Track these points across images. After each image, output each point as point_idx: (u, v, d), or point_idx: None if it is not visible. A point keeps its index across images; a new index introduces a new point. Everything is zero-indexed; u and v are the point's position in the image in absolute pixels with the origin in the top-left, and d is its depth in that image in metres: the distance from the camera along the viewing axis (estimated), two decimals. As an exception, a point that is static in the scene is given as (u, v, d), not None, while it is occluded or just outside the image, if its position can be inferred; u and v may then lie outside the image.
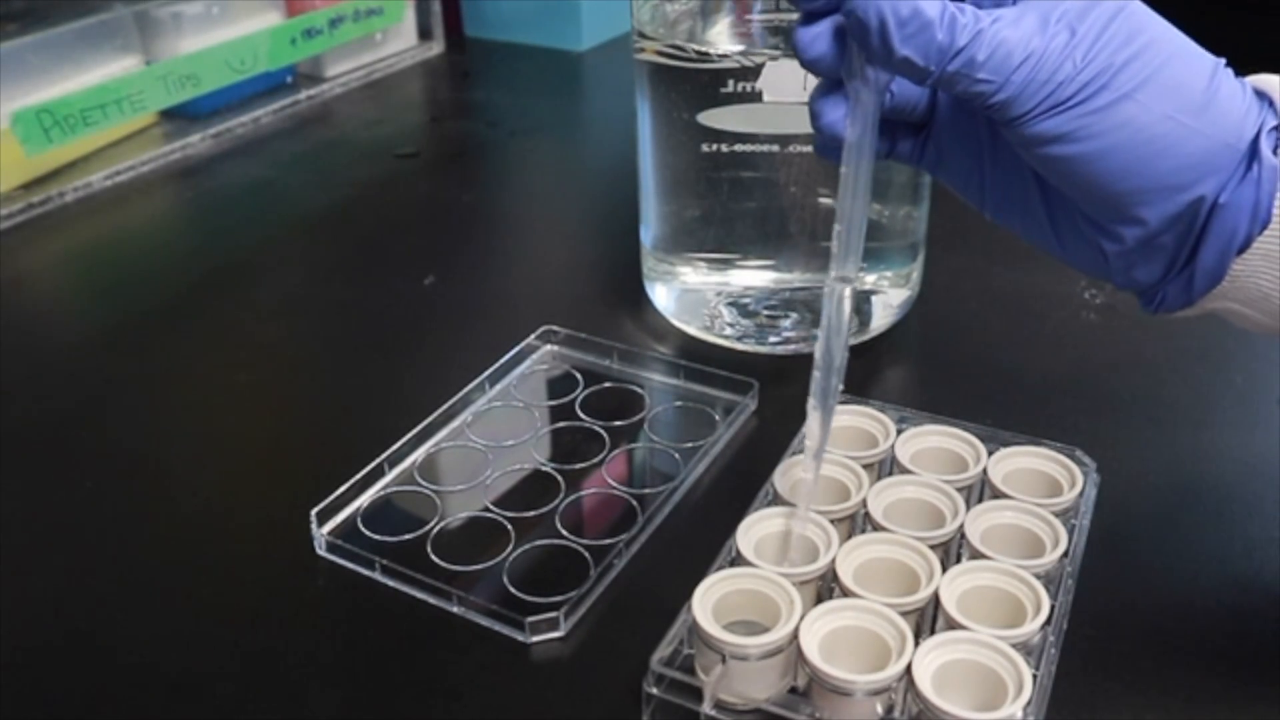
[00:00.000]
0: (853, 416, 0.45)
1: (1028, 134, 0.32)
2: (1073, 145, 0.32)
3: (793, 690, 0.35)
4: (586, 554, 0.42)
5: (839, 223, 0.35)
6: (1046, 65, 0.31)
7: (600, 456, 0.48)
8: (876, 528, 0.39)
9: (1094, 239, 0.35)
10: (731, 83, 0.49)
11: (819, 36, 0.33)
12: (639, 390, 0.52)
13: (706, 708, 0.34)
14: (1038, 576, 0.36)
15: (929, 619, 0.37)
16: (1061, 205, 0.35)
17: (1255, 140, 0.32)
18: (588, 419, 0.50)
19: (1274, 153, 0.32)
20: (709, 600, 0.35)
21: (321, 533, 0.43)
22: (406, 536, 0.44)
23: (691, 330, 0.56)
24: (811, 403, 0.37)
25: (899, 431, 0.44)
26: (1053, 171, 0.33)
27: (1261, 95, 0.33)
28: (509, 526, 0.44)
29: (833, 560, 0.37)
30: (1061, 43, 0.31)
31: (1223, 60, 0.33)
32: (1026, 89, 0.31)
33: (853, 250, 0.35)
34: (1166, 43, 0.32)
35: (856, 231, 0.35)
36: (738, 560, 0.38)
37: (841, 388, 0.37)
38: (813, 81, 0.47)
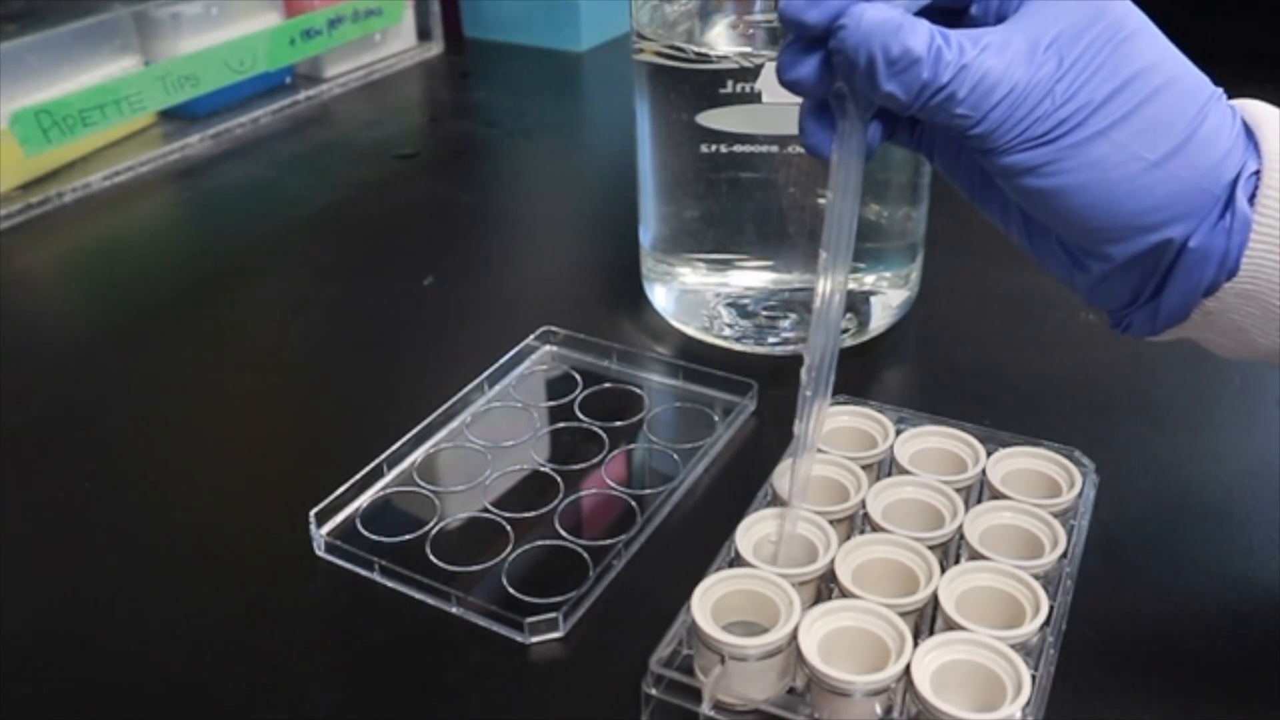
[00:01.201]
0: (852, 417, 0.45)
1: (999, 164, 0.32)
2: (1042, 179, 0.31)
3: (792, 691, 0.35)
4: (585, 555, 0.42)
5: (827, 230, 0.35)
6: (1026, 102, 0.30)
7: (599, 457, 0.48)
8: (875, 528, 0.39)
9: (1062, 261, 0.35)
10: (730, 83, 0.49)
11: (803, 63, 0.32)
12: (638, 391, 0.52)
13: (705, 708, 0.34)
14: (1036, 577, 0.36)
15: (928, 619, 0.37)
16: (1035, 230, 0.35)
17: (1233, 185, 0.31)
18: (587, 420, 0.50)
19: (1250, 200, 0.31)
20: (708, 601, 0.35)
21: (320, 533, 0.43)
22: (405, 537, 0.44)
23: (690, 331, 0.56)
24: (801, 398, 0.37)
25: (898, 432, 0.44)
26: (1024, 200, 0.33)
27: (1250, 132, 0.32)
28: (508, 527, 0.44)
29: (831, 561, 0.37)
30: (1047, 74, 0.30)
31: (1218, 92, 0.32)
32: (1003, 124, 0.31)
33: (842, 256, 0.35)
34: (1157, 74, 0.31)
35: (846, 238, 0.35)
36: (737, 561, 0.38)
37: (832, 383, 0.37)
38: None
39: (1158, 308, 0.34)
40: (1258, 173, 0.31)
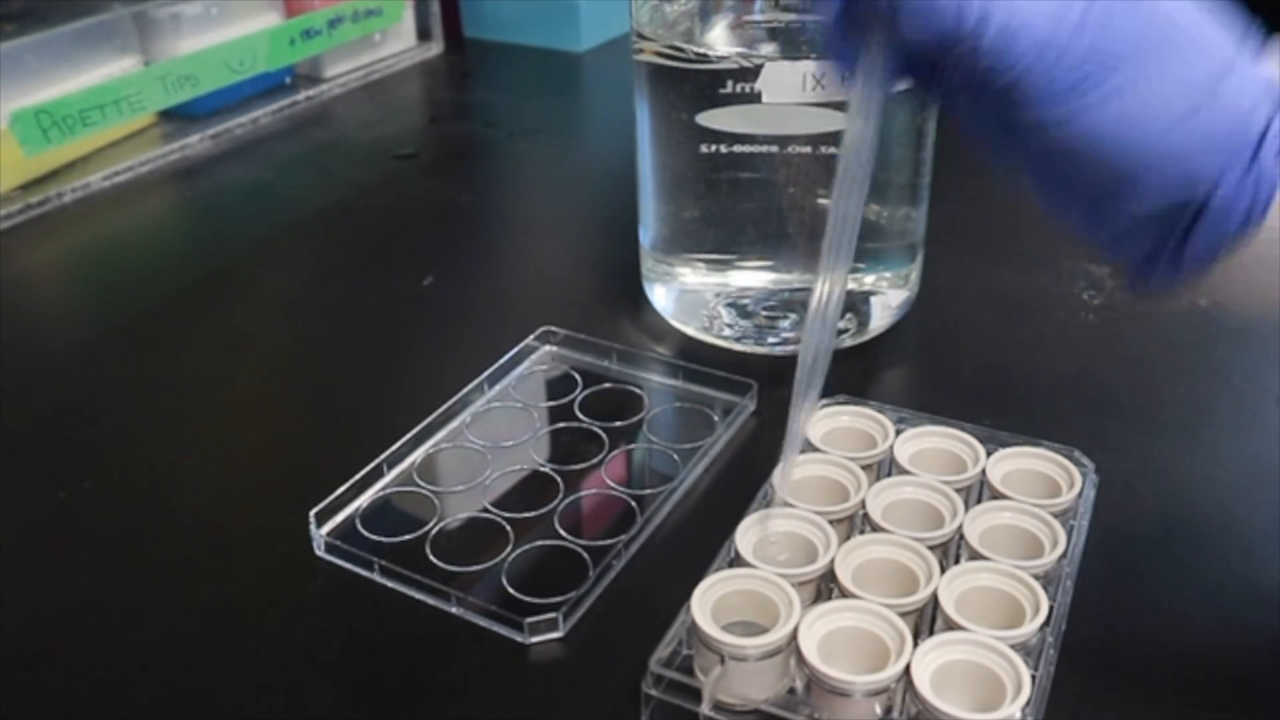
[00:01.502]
0: (851, 417, 0.45)
1: (1026, 117, 0.32)
2: (1069, 130, 0.31)
3: (791, 691, 0.35)
4: (585, 555, 0.42)
5: (832, 215, 0.35)
6: (1049, 53, 0.30)
7: (599, 457, 0.48)
8: (875, 528, 0.39)
9: (1086, 217, 0.34)
10: (730, 83, 0.49)
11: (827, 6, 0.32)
12: (638, 391, 0.52)
13: (705, 708, 0.34)
14: (1036, 577, 0.36)
15: (928, 620, 0.37)
16: (1057, 185, 0.35)
17: (1262, 136, 0.31)
18: (587, 420, 0.50)
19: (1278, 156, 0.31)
20: (708, 601, 0.35)
21: (320, 533, 0.43)
22: (405, 537, 0.44)
23: (690, 331, 0.56)
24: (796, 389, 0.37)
25: (898, 432, 0.44)
26: (1049, 153, 0.33)
27: None
28: (508, 527, 0.44)
29: (831, 561, 0.37)
30: (1070, 25, 0.30)
31: (1249, 37, 0.31)
32: (1030, 73, 0.30)
33: (844, 248, 0.35)
34: (1184, 17, 0.30)
35: (850, 227, 0.35)
36: (736, 561, 0.38)
37: (822, 380, 0.37)
38: (811, 83, 0.47)
39: (1180, 260, 0.33)
40: None
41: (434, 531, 0.44)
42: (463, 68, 1.01)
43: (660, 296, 0.57)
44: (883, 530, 0.38)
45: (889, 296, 0.56)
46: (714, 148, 0.50)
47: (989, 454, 0.42)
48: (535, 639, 0.39)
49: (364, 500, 0.45)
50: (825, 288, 0.36)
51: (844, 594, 0.36)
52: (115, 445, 0.50)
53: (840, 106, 0.46)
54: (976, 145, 0.37)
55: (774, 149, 0.50)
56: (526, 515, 0.44)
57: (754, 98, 0.49)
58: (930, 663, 0.33)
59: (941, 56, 0.31)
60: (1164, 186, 0.32)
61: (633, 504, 0.45)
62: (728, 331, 0.55)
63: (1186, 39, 0.31)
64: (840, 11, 0.32)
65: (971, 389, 0.52)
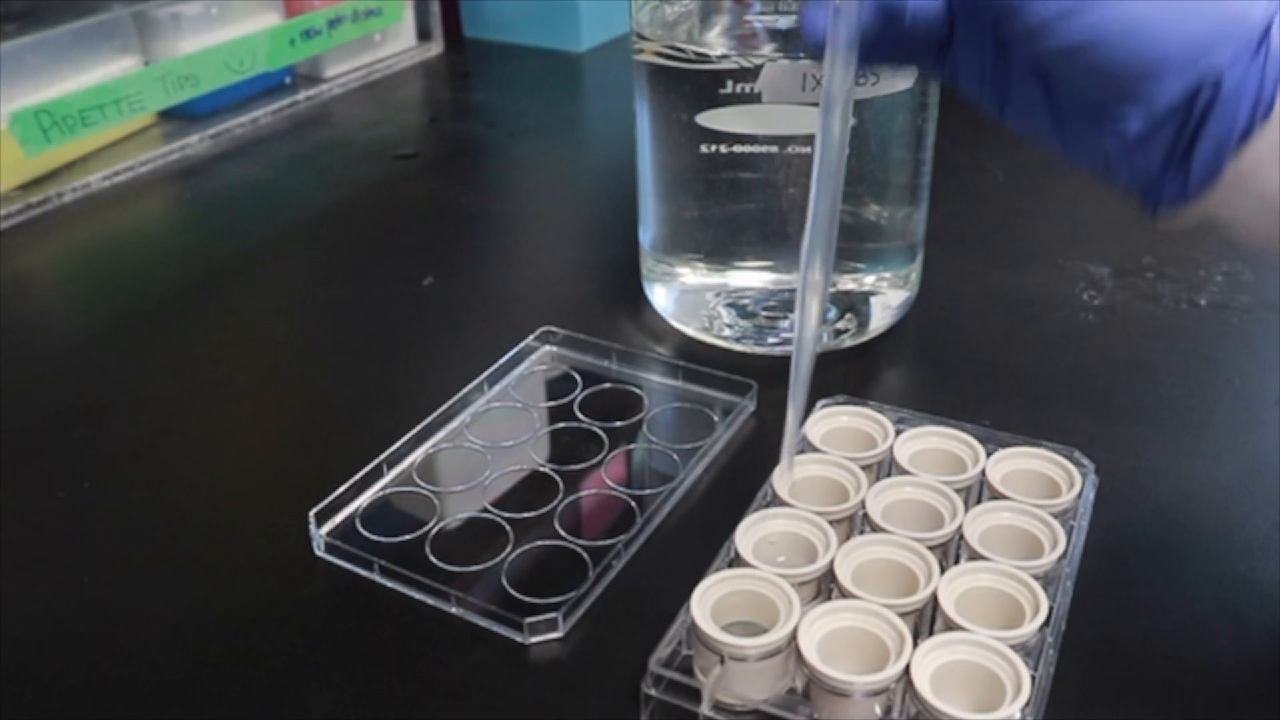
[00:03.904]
0: (851, 417, 0.45)
1: (1025, 25, 0.32)
2: (1071, 32, 0.31)
3: (791, 691, 0.35)
4: (585, 555, 0.42)
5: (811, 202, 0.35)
6: None
7: (599, 457, 0.48)
8: (875, 529, 0.39)
9: (1095, 137, 0.34)
10: (730, 84, 0.49)
11: None
12: (638, 391, 0.52)
13: (705, 709, 0.34)
14: (1036, 578, 0.36)
15: (927, 620, 0.37)
16: (1065, 105, 0.35)
17: (1268, 23, 0.30)
18: (586, 420, 0.50)
19: None
20: (707, 601, 0.35)
21: (320, 533, 0.43)
22: (405, 537, 0.44)
23: (690, 331, 0.56)
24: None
25: (898, 432, 0.44)
26: (1053, 66, 0.33)
27: None
28: (507, 527, 0.44)
29: (831, 561, 0.37)
30: None
31: None
32: None
33: (824, 242, 0.36)
34: None
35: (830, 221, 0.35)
36: (736, 561, 0.38)
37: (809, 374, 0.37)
38: (811, 83, 0.47)
39: (1190, 166, 0.33)
40: None
41: (434, 531, 0.44)
42: (463, 68, 1.01)
43: (660, 296, 0.57)
44: (882, 530, 0.38)
45: (889, 296, 0.56)
46: (714, 148, 0.50)
47: (989, 454, 0.42)
48: (535, 639, 0.39)
49: (364, 500, 0.45)
50: (812, 278, 0.36)
51: (844, 594, 0.36)
52: (115, 445, 0.50)
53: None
54: (977, 98, 0.37)
55: (774, 149, 0.50)
56: (526, 515, 0.44)
57: (754, 98, 0.49)
58: (930, 663, 0.33)
59: None
60: (1170, 80, 0.31)
61: (632, 504, 0.45)
62: (727, 331, 0.55)
63: None
64: None
65: (971, 389, 0.52)
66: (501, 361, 0.53)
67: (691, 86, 0.50)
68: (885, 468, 0.44)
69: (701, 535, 0.41)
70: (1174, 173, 0.33)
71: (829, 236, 0.36)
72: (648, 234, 0.57)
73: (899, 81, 0.49)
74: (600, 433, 0.49)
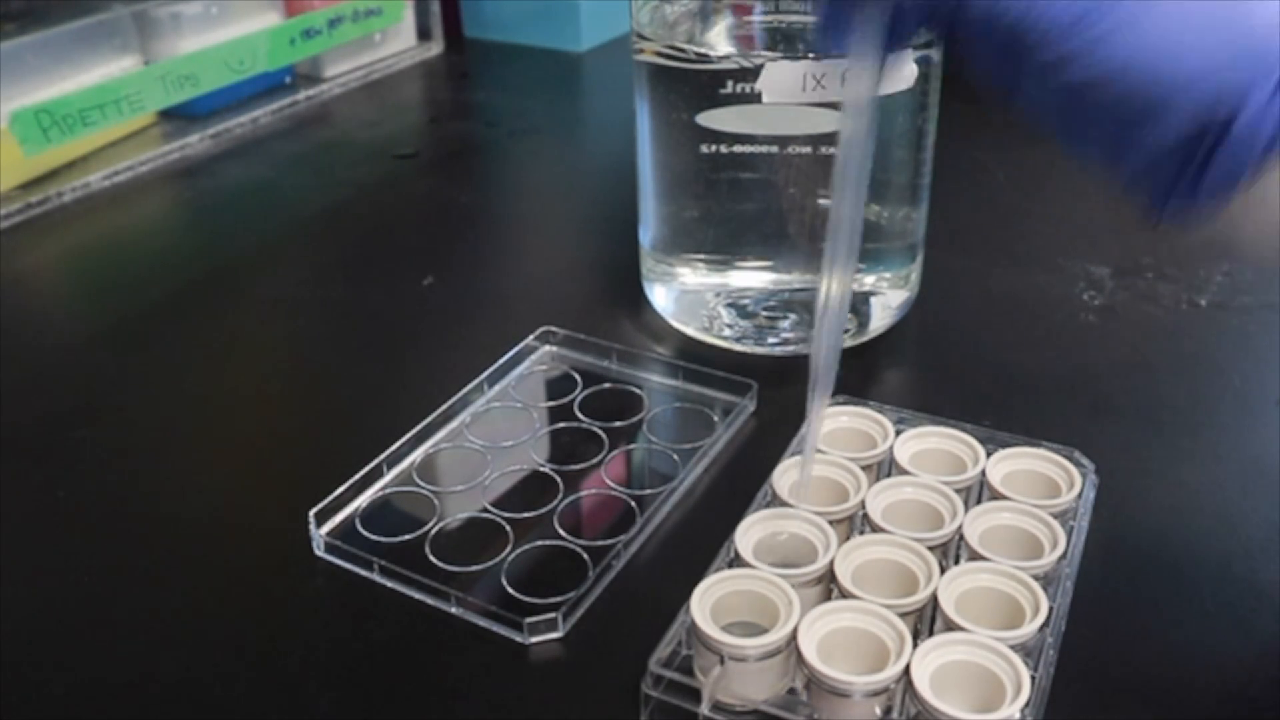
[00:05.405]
0: (851, 418, 0.45)
1: (1033, 61, 0.31)
2: (1079, 66, 0.31)
3: (791, 691, 0.35)
4: (585, 555, 0.42)
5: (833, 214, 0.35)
6: None
7: (599, 457, 0.48)
8: (875, 529, 0.39)
9: (1105, 153, 0.33)
10: (731, 84, 0.49)
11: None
12: (638, 391, 0.52)
13: (705, 709, 0.34)
14: (1036, 578, 0.36)
15: (927, 620, 0.37)
16: (1075, 120, 0.34)
17: None
18: (586, 420, 0.50)
19: None
20: (707, 601, 0.35)
21: (319, 533, 0.43)
22: (405, 537, 0.44)
23: (690, 331, 0.56)
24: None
25: (897, 433, 0.44)
26: (1068, 95, 0.32)
27: None
28: (507, 527, 0.44)
29: (831, 561, 0.37)
30: None
31: None
32: (1027, 16, 0.30)
33: (847, 246, 0.35)
34: None
35: (853, 225, 0.35)
36: (736, 561, 0.38)
37: (834, 377, 0.37)
38: (811, 83, 0.47)
39: (1198, 190, 0.32)
40: None
41: (434, 531, 0.44)
42: (463, 68, 1.01)
43: (660, 296, 0.57)
44: (882, 531, 0.38)
45: (889, 297, 0.56)
46: (714, 148, 0.50)
47: (989, 454, 0.42)
48: (535, 639, 0.39)
49: (364, 500, 0.45)
50: (832, 286, 0.36)
51: (844, 594, 0.36)
52: (115, 445, 0.50)
53: (841, 106, 0.46)
54: (997, 97, 0.37)
55: (774, 149, 0.50)
56: (526, 515, 0.44)
57: (754, 98, 0.49)
58: (930, 663, 0.33)
59: (936, 11, 0.30)
60: (1186, 112, 0.30)
61: (632, 504, 0.45)
62: (728, 332, 0.55)
63: None
64: None
65: (971, 389, 0.52)
66: (501, 361, 0.53)
67: (692, 86, 0.50)
68: (885, 468, 0.44)
69: (701, 535, 0.41)
70: (1183, 192, 0.33)
71: (851, 244, 0.36)
72: (648, 234, 0.57)
73: (899, 82, 0.49)
74: (600, 433, 0.49)
